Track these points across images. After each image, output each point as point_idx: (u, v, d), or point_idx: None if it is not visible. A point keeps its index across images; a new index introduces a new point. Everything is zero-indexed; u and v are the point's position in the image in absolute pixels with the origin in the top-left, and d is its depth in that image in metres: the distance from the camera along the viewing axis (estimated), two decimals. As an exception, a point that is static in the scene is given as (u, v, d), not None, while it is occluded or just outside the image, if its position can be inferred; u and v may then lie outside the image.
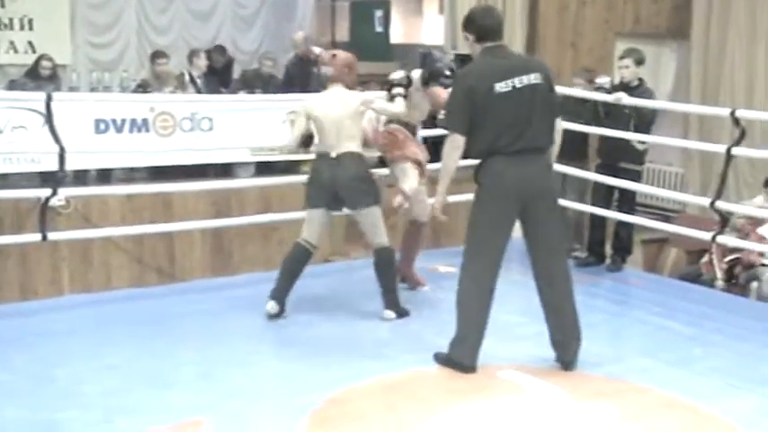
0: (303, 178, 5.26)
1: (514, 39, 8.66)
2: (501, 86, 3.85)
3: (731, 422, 3.61)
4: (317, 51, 6.28)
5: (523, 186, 3.93)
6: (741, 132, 5.39)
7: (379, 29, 9.90)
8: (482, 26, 3.97)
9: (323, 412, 3.64)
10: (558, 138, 4.13)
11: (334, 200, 4.90)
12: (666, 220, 7.89)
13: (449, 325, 4.64)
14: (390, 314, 4.84)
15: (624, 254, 6.28)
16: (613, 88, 6.19)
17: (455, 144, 3.93)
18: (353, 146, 4.83)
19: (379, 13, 9.86)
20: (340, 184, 4.77)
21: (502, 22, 4.07)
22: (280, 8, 10.50)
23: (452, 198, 6.63)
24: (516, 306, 5.14)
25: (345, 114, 4.82)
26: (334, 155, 4.80)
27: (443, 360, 4.11)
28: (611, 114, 6.13)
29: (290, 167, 7.23)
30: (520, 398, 3.79)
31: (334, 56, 5.04)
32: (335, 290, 5.45)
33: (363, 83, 8.59)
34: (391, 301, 4.86)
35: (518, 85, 3.87)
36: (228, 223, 6.25)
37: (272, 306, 4.82)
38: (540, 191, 3.99)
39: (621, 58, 6.33)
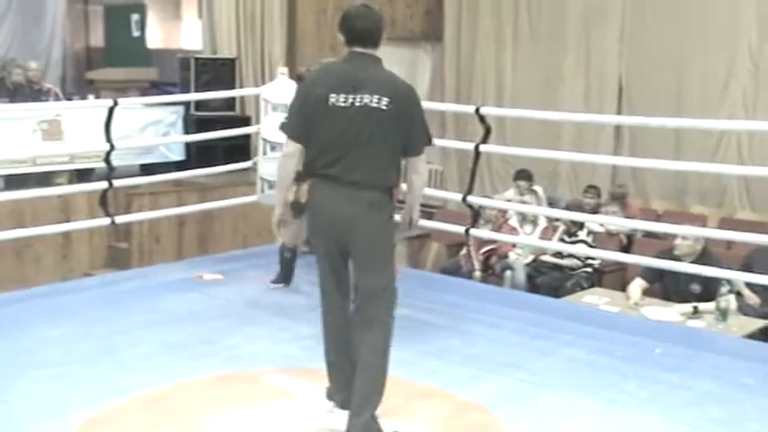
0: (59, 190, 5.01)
1: (273, 42, 8.71)
2: (338, 99, 3.33)
3: (484, 405, 3.82)
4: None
5: (336, 225, 3.39)
6: (486, 129, 5.67)
7: (136, 33, 9.60)
8: (351, 28, 3.40)
9: (81, 435, 3.48)
10: (420, 175, 3.51)
11: None
12: (428, 216, 8.23)
13: (213, 333, 4.62)
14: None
15: None
16: None
17: (287, 150, 3.50)
18: None
19: (135, 18, 9.55)
20: None
21: (377, 29, 3.41)
22: (27, 12, 9.91)
23: (218, 204, 6.72)
24: (287, 310, 5.18)
25: None
26: None
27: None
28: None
29: (42, 180, 6.87)
30: (285, 402, 3.80)
31: None
32: (96, 305, 5.22)
33: (121, 89, 8.32)
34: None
35: (357, 104, 3.31)
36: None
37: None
38: (355, 235, 3.36)
39: None
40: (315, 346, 4.19)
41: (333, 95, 3.34)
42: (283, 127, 3.61)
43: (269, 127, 6.41)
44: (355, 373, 3.43)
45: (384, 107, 3.30)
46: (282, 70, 6.83)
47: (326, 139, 3.37)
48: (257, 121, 6.56)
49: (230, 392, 3.88)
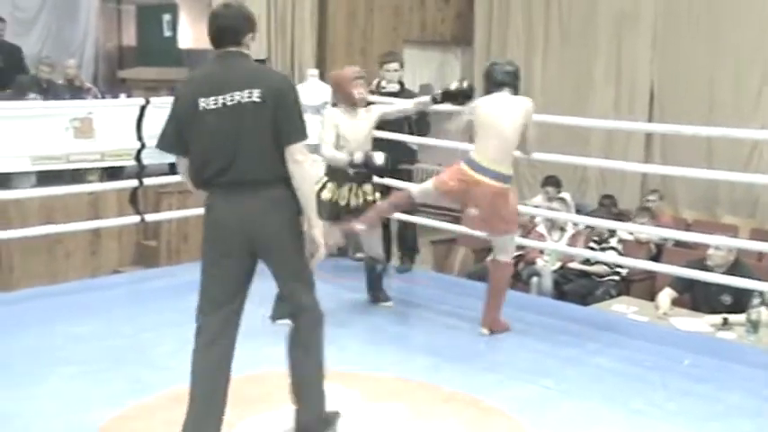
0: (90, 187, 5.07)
1: (304, 45, 8.74)
2: (207, 102, 3.19)
3: (508, 411, 3.80)
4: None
5: (242, 230, 3.25)
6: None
7: (167, 33, 9.66)
8: (211, 28, 3.28)
9: (108, 431, 3.50)
10: (304, 171, 3.25)
11: None
12: (455, 220, 8.21)
13: (240, 332, 4.60)
14: None
15: (411, 254, 6.45)
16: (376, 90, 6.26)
17: (177, 163, 3.44)
18: None
19: (167, 18, 9.62)
20: None
21: (234, 26, 3.27)
22: (61, 11, 10.01)
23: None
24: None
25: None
26: None
27: None
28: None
29: (75, 177, 6.93)
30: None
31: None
32: (124, 302, 5.26)
33: (152, 88, 8.38)
34: None
35: (228, 103, 3.18)
36: (8, 236, 5.86)
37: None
38: (264, 236, 3.27)
39: (387, 62, 6.40)
40: (335, 347, 4.21)
41: (202, 100, 3.20)
42: (158, 143, 3.42)
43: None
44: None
45: (257, 99, 3.18)
46: (313, 72, 6.87)
47: (207, 146, 3.23)
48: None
49: (259, 391, 3.88)
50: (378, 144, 6.16)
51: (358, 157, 4.92)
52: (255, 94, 3.18)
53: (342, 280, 5.81)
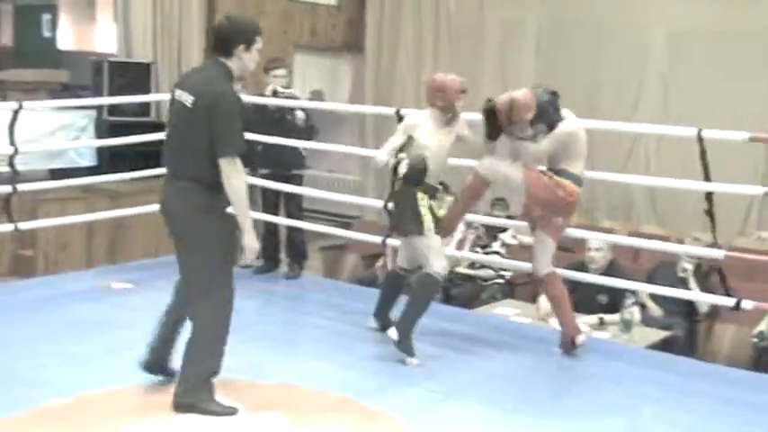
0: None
1: (191, 47, 8.60)
2: (174, 94, 3.68)
3: (394, 415, 3.82)
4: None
5: (162, 211, 3.75)
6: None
7: (47, 34, 9.32)
8: (210, 38, 3.95)
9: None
10: (230, 183, 3.54)
11: None
12: (346, 226, 8.23)
13: (119, 344, 4.49)
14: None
15: (300, 260, 6.42)
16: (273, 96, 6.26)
17: None
18: None
19: (46, 18, 9.27)
20: None
21: (217, 38, 3.63)
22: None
23: (129, 211, 6.57)
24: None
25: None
26: None
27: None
28: (279, 122, 6.22)
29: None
30: (189, 416, 3.72)
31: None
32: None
33: (31, 91, 8.08)
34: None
35: (177, 99, 3.65)
36: None
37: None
38: (171, 220, 3.71)
39: (274, 68, 6.37)
40: (239, 356, 4.16)
41: (176, 92, 3.68)
42: None
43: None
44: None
45: (188, 104, 3.56)
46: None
47: (167, 135, 3.79)
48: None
49: (134, 404, 3.79)
50: (267, 149, 6.15)
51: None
52: (189, 101, 3.56)
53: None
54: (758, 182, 7.44)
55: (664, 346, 5.44)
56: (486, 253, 6.90)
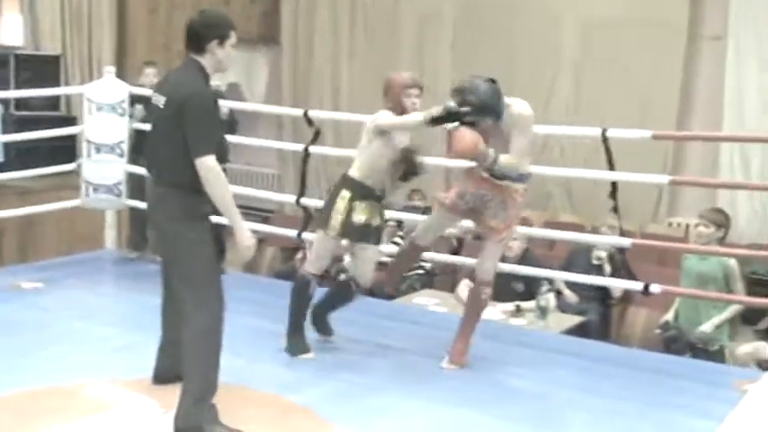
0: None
1: (102, 41, 8.41)
2: (153, 98, 3.57)
3: (311, 408, 3.83)
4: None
5: (148, 219, 3.78)
6: (315, 132, 5.71)
7: None
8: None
9: None
10: (208, 184, 3.37)
11: None
12: (263, 219, 8.18)
13: (30, 345, 4.37)
14: None
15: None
16: None
17: None
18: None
19: None
20: None
21: (197, 31, 3.46)
22: None
23: (40, 209, 6.40)
24: (108, 318, 5.02)
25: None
26: None
27: None
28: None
29: None
30: (103, 415, 3.65)
31: None
32: None
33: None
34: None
35: (154, 102, 3.55)
36: None
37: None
38: (153, 223, 3.69)
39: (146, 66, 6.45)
40: (136, 355, 4.10)
41: (154, 95, 3.60)
42: None
43: (94, 128, 6.18)
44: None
45: (162, 106, 3.48)
46: (109, 69, 6.59)
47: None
48: (83, 122, 6.28)
49: (44, 407, 3.68)
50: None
51: (438, 109, 4.18)
52: (162, 101, 3.47)
53: (143, 284, 5.64)
54: (668, 171, 7.69)
55: (579, 331, 5.57)
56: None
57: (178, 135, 3.38)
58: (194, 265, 3.46)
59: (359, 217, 4.39)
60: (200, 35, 3.46)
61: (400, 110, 4.43)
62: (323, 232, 4.49)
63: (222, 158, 3.54)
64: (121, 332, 4.64)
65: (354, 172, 4.43)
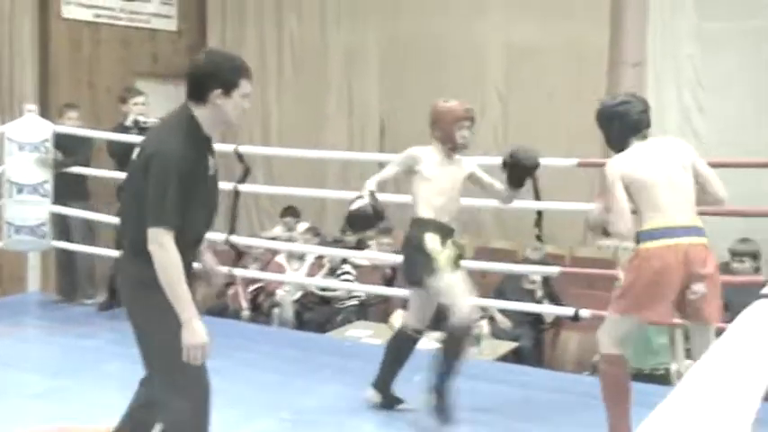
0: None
1: (24, 77, 8.23)
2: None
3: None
4: None
5: None
6: (245, 169, 5.69)
7: None
8: None
9: None
10: (155, 261, 2.70)
11: None
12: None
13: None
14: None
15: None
16: (135, 126, 6.13)
17: None
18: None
19: None
20: None
21: (195, 76, 2.84)
22: None
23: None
24: (31, 363, 4.87)
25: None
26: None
27: None
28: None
29: None
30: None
31: None
32: None
33: None
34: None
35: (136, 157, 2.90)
36: None
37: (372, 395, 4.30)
38: (118, 285, 3.17)
39: (132, 96, 6.32)
40: (57, 402, 3.97)
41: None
42: None
43: (15, 167, 6.04)
44: None
45: (134, 157, 2.87)
46: (30, 107, 6.47)
47: None
48: (4, 162, 6.12)
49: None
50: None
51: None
52: (135, 155, 2.87)
53: (73, 328, 5.52)
54: (595, 195, 7.81)
55: (513, 357, 5.59)
56: (337, 275, 6.92)
57: (141, 193, 2.76)
58: (163, 343, 2.77)
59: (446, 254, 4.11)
60: (201, 82, 2.81)
61: (451, 143, 4.20)
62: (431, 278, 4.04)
63: (197, 234, 2.92)
64: (43, 378, 4.49)
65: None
